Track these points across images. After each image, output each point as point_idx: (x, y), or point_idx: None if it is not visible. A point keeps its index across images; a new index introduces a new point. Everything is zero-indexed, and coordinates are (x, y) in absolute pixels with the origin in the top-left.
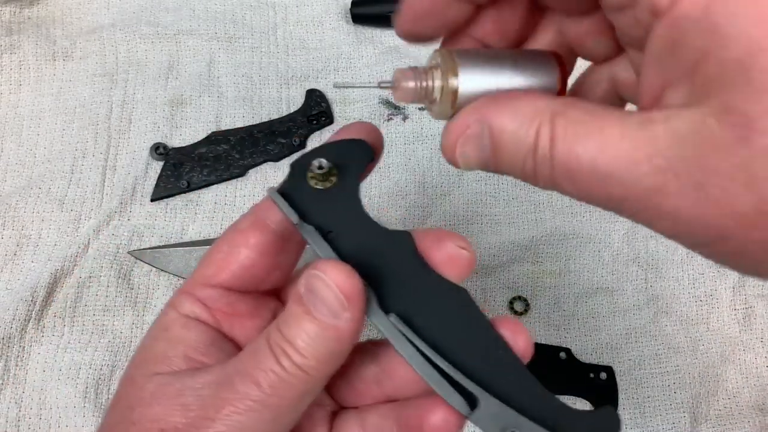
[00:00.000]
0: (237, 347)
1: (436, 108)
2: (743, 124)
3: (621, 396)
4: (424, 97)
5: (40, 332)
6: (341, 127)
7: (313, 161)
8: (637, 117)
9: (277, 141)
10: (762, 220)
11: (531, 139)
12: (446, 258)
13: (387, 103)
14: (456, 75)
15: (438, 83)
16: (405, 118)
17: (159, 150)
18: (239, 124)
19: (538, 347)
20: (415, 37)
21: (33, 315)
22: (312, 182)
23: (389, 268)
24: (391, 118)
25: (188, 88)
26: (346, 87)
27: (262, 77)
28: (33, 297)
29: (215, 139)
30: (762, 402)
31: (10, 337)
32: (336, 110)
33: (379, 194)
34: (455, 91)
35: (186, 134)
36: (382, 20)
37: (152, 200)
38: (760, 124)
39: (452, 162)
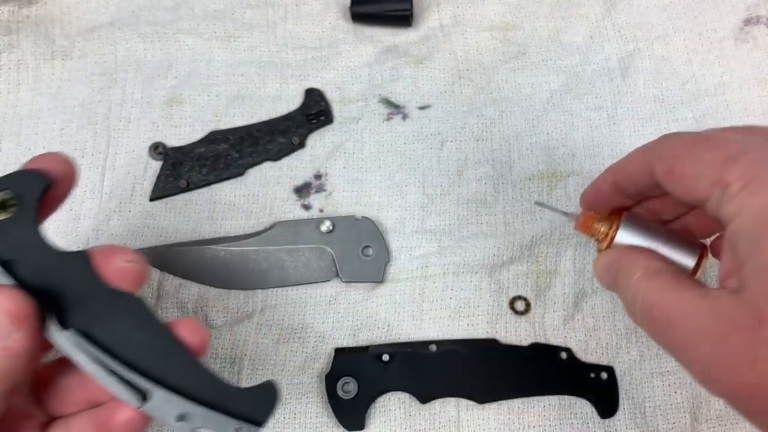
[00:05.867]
0: None
1: (599, 246)
2: (758, 317)
3: (621, 396)
4: (594, 234)
5: None
6: (33, 157)
7: None
8: (703, 291)
9: (276, 140)
10: (758, 392)
11: (633, 288)
12: (116, 272)
13: (387, 102)
14: (617, 229)
15: (604, 229)
16: (405, 117)
17: (158, 149)
18: (238, 123)
19: (539, 347)
20: (595, 210)
21: None
22: None
23: (68, 288)
24: (391, 117)
25: (187, 87)
26: (545, 207)
27: (261, 76)
28: None
29: (214, 138)
30: None
31: None
32: (335, 109)
33: (379, 194)
34: (612, 239)
35: (185, 133)
36: (382, 19)
37: (151, 200)
38: None
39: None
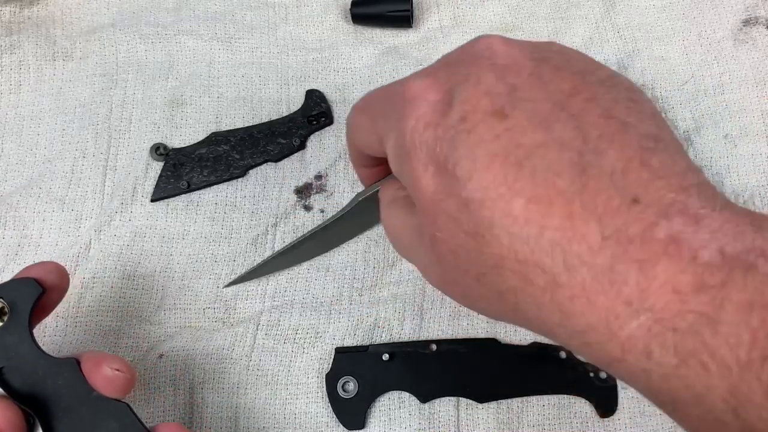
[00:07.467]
0: None
1: None
2: (427, 234)
3: (620, 395)
4: None
5: (42, 333)
6: (27, 266)
7: None
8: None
9: (277, 141)
10: (450, 289)
11: (382, 216)
12: (103, 380)
13: None
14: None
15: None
16: None
17: (159, 150)
18: (239, 125)
19: (539, 346)
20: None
21: None
22: None
23: (56, 394)
24: None
25: (188, 88)
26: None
27: (261, 77)
28: None
29: (215, 139)
30: None
31: None
32: (336, 111)
33: None
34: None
35: (186, 135)
36: (383, 20)
37: (152, 200)
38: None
39: None
